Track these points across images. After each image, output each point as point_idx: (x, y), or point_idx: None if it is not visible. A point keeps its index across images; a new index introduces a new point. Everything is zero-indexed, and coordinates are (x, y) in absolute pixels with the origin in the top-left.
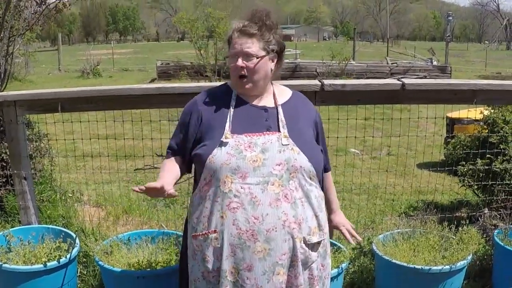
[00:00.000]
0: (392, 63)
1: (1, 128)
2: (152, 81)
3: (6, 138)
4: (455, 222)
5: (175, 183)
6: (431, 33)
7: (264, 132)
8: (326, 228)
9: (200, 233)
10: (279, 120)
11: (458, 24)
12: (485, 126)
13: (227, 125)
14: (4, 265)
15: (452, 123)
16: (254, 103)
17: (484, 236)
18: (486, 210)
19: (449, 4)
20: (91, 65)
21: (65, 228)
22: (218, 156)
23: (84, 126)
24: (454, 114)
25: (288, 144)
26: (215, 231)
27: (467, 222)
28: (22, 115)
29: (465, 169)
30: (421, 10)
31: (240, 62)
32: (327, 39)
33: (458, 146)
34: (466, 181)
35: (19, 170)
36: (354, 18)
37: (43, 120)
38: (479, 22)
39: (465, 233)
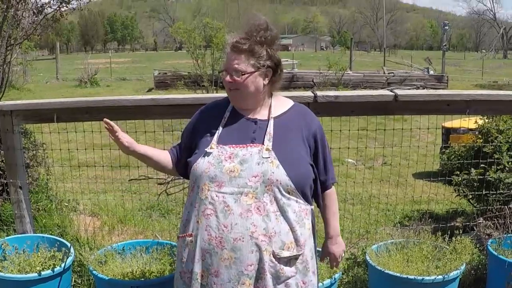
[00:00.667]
0: (389, 73)
1: None
2: (149, 90)
3: (2, 147)
4: (449, 232)
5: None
6: (428, 42)
7: (248, 144)
8: (308, 244)
9: (181, 235)
10: (267, 132)
11: (455, 33)
12: (479, 136)
13: (215, 136)
14: None
15: (447, 132)
16: (247, 115)
17: (478, 245)
18: (481, 220)
19: (446, 13)
20: (89, 74)
21: (60, 237)
22: (200, 165)
23: (81, 135)
24: (450, 124)
25: (269, 157)
26: (191, 235)
27: (461, 232)
28: (19, 124)
29: (460, 179)
30: (418, 19)
31: (228, 77)
32: (325, 49)
33: (453, 156)
34: (461, 191)
35: (15, 179)
36: (352, 27)
37: (40, 129)
38: (476, 31)
39: (458, 243)
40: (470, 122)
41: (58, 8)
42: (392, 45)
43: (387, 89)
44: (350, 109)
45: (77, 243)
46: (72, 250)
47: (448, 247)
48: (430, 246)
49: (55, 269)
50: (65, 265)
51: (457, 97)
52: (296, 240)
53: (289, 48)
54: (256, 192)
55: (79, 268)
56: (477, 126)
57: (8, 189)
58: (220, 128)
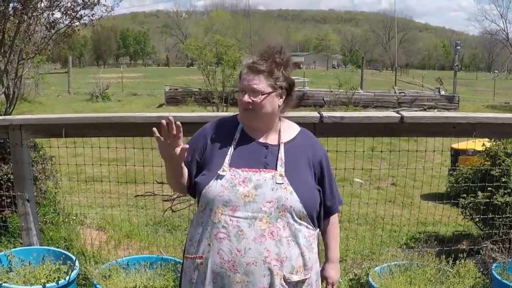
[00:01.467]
0: (399, 93)
1: (8, 150)
2: (160, 106)
3: (11, 160)
4: (453, 255)
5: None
6: (440, 62)
7: (261, 169)
8: (314, 268)
9: (190, 256)
10: (278, 158)
11: (467, 53)
12: (487, 159)
13: (227, 158)
14: (4, 284)
15: (456, 154)
16: (258, 139)
17: (482, 269)
18: (487, 243)
19: (459, 33)
20: (100, 89)
21: (66, 250)
22: (213, 188)
23: (89, 149)
24: (458, 145)
25: (282, 183)
26: (201, 257)
27: (465, 255)
28: (27, 138)
29: (467, 202)
30: (430, 39)
31: (246, 97)
32: (336, 67)
33: (460, 178)
34: (467, 214)
35: (23, 192)
36: (364, 46)
37: (49, 143)
38: (488, 51)
39: (462, 267)
40: (479, 144)
41: (70, 24)
42: (404, 64)
43: (393, 111)
44: (356, 130)
45: (83, 256)
46: (77, 263)
47: (451, 270)
48: (433, 269)
49: (60, 282)
50: (69, 278)
51: (463, 119)
52: (305, 265)
53: (301, 66)
54: (270, 218)
55: (83, 282)
56: (484, 149)
57: (16, 202)
58: (231, 150)
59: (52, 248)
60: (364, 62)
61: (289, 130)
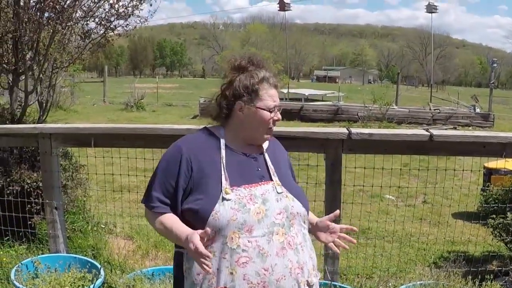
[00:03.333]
0: (434, 109)
1: (37, 158)
2: (194, 117)
3: (40, 168)
4: (479, 276)
5: None
6: (476, 79)
7: (259, 183)
8: (316, 267)
9: None
10: (269, 168)
11: (504, 71)
12: None
13: (223, 178)
14: None
15: (489, 173)
16: (244, 151)
17: None
18: None
19: (496, 50)
20: (135, 99)
21: (93, 258)
22: (223, 212)
23: (123, 158)
24: (492, 164)
25: (282, 192)
26: None
27: (492, 276)
28: (57, 147)
29: (496, 222)
30: (467, 55)
31: (279, 115)
32: (372, 82)
33: (490, 199)
34: (497, 234)
35: (51, 200)
36: (400, 62)
37: (85, 151)
38: None
39: None
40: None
41: (104, 34)
42: (440, 80)
43: (423, 128)
44: (384, 147)
45: (109, 265)
46: (102, 272)
47: None
48: None
49: None
50: (94, 286)
51: (493, 139)
52: (314, 266)
53: (337, 80)
54: (284, 228)
55: None
56: None
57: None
58: (223, 168)
59: (79, 256)
60: (399, 77)
61: None
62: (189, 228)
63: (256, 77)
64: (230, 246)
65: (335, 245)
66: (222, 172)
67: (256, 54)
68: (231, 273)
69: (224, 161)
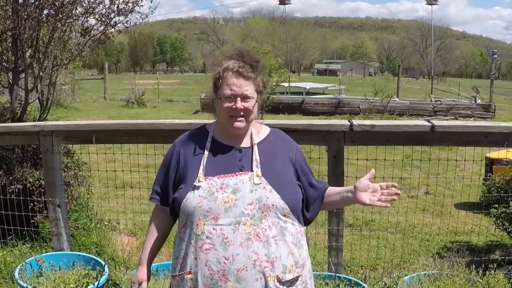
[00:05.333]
0: (435, 101)
1: (40, 156)
2: (196, 113)
3: (42, 166)
4: (483, 265)
5: None
6: (477, 70)
7: (237, 173)
8: (307, 265)
9: (178, 274)
10: (253, 159)
11: (505, 62)
12: None
13: (201, 168)
14: None
15: (491, 163)
16: (230, 144)
17: (511, 281)
18: None
19: (496, 41)
20: (136, 95)
21: (97, 255)
22: (191, 200)
23: (125, 155)
24: (493, 155)
25: (260, 183)
26: (190, 272)
27: (495, 265)
28: (58, 145)
29: (498, 212)
30: (467, 47)
31: (239, 104)
32: (373, 74)
33: (493, 188)
34: (499, 224)
35: (54, 198)
36: (401, 54)
37: (87, 149)
38: None
39: (492, 277)
40: None
41: (104, 31)
42: (441, 72)
43: (425, 119)
44: (386, 138)
45: (113, 262)
46: (106, 269)
47: (481, 281)
48: (463, 279)
49: (88, 287)
50: (98, 284)
51: (495, 129)
52: (296, 262)
53: (337, 74)
54: (253, 220)
55: (113, 287)
56: None
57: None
58: (204, 160)
59: (82, 253)
60: (400, 70)
61: (260, 131)
62: (144, 261)
63: (221, 67)
64: (195, 232)
65: (382, 201)
66: (201, 163)
67: (248, 47)
68: (195, 258)
69: (206, 153)
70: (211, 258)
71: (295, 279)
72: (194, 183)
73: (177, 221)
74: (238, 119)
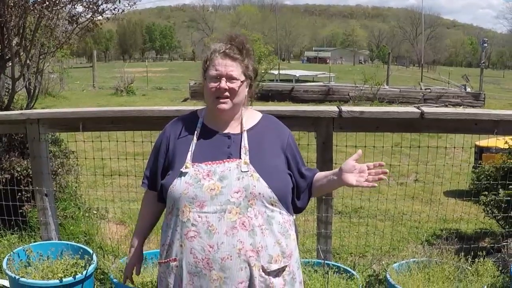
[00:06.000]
0: (425, 89)
1: (27, 145)
2: (185, 100)
3: (29, 155)
4: (472, 253)
5: None
6: (467, 59)
7: (225, 160)
8: (294, 255)
9: (164, 260)
10: (242, 146)
11: (495, 51)
12: (510, 156)
13: (189, 154)
14: (22, 278)
15: (480, 151)
16: (219, 130)
17: (501, 268)
18: (509, 241)
19: (487, 30)
20: (125, 83)
21: (86, 244)
22: (178, 186)
23: (114, 143)
24: (483, 143)
25: (248, 171)
26: (175, 259)
27: (484, 253)
28: (45, 133)
29: (488, 199)
30: (458, 36)
31: (224, 84)
32: (363, 62)
33: (482, 176)
34: (489, 211)
35: (41, 187)
36: (391, 42)
37: (74, 137)
38: None
39: (481, 265)
40: (503, 141)
41: (91, 18)
42: (431, 61)
43: (414, 106)
44: (375, 125)
45: (101, 251)
46: (94, 257)
47: (470, 268)
48: (452, 266)
49: (77, 276)
50: (86, 273)
51: (485, 116)
52: (283, 252)
53: (327, 61)
54: (239, 208)
55: (101, 276)
56: (508, 146)
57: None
58: (193, 146)
59: (71, 242)
60: (390, 58)
61: (251, 117)
62: (136, 243)
63: (209, 50)
64: (181, 219)
65: (368, 181)
66: (190, 149)
67: (239, 33)
68: (181, 246)
69: (195, 139)
70: (196, 245)
71: (282, 269)
72: (181, 170)
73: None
74: (222, 100)
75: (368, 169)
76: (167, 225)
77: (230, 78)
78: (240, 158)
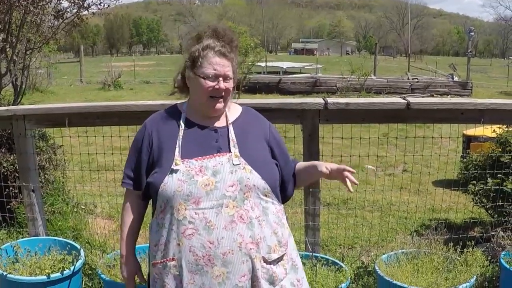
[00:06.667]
0: (413, 79)
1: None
2: (172, 94)
3: (15, 151)
4: (461, 243)
5: None
6: (454, 48)
7: (215, 154)
8: (290, 242)
9: (159, 261)
10: (230, 139)
11: (482, 40)
12: (498, 145)
13: (177, 150)
14: (9, 275)
15: (468, 140)
16: (205, 124)
17: (490, 258)
18: (498, 230)
19: (473, 19)
20: (113, 77)
21: (74, 240)
22: (170, 184)
23: (101, 138)
24: (470, 132)
25: (240, 164)
26: (173, 259)
27: (473, 243)
28: (31, 129)
29: (476, 189)
30: (444, 25)
31: (222, 84)
32: (350, 53)
33: (470, 165)
34: (477, 201)
35: (27, 183)
36: (378, 32)
37: (61, 132)
38: (502, 38)
39: (470, 255)
40: (490, 130)
41: (77, 13)
42: (418, 50)
43: (400, 97)
44: (361, 116)
45: (89, 246)
46: (82, 253)
47: (459, 258)
48: (441, 257)
49: (64, 272)
50: (74, 268)
51: (471, 105)
52: (279, 242)
53: (314, 53)
54: (236, 201)
55: (89, 271)
56: (496, 135)
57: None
58: (179, 141)
59: (58, 238)
60: (377, 48)
61: (233, 111)
62: (127, 244)
63: (200, 45)
64: (177, 217)
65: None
66: (177, 145)
67: (223, 25)
68: (178, 244)
69: (181, 134)
70: (195, 243)
71: (281, 258)
72: (172, 167)
73: (151, 205)
74: (219, 100)
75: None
76: (158, 224)
77: (226, 78)
78: (229, 151)
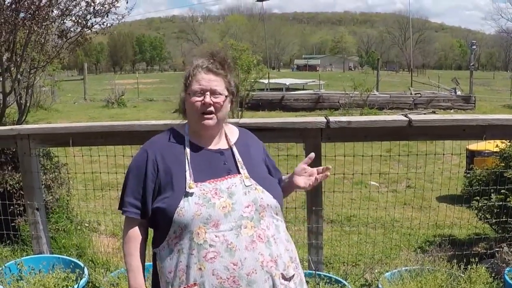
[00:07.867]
0: (415, 94)
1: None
2: (175, 112)
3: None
4: (465, 259)
5: None
6: (456, 61)
7: (226, 176)
8: (297, 258)
9: (181, 287)
10: (237, 161)
11: (484, 52)
12: (501, 160)
13: (187, 174)
14: None
15: (472, 155)
16: (208, 146)
17: (494, 274)
18: (502, 246)
19: (475, 32)
20: (116, 95)
21: (78, 258)
22: (187, 208)
23: (105, 156)
24: (474, 146)
25: (251, 185)
26: (195, 284)
27: (477, 259)
28: (35, 148)
29: (480, 204)
30: (446, 39)
31: (208, 98)
32: (353, 69)
33: (474, 180)
34: (481, 216)
35: (32, 201)
36: (380, 47)
37: (65, 151)
38: (505, 50)
39: (474, 272)
40: (494, 145)
41: (80, 33)
42: (420, 65)
43: (402, 114)
44: (364, 134)
45: (93, 264)
46: (86, 271)
47: (463, 275)
48: (445, 274)
49: None
50: (78, 287)
51: (473, 122)
52: (291, 257)
53: (317, 69)
54: (253, 222)
55: None
56: (499, 150)
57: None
58: (188, 165)
59: (62, 256)
60: (380, 63)
61: (231, 132)
62: (138, 276)
63: (191, 65)
64: (197, 241)
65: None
66: (187, 169)
67: (220, 49)
68: (200, 269)
69: (188, 158)
70: (218, 266)
71: (298, 274)
72: (187, 190)
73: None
74: (208, 116)
75: (317, 173)
76: (170, 250)
77: (214, 93)
78: (239, 173)
